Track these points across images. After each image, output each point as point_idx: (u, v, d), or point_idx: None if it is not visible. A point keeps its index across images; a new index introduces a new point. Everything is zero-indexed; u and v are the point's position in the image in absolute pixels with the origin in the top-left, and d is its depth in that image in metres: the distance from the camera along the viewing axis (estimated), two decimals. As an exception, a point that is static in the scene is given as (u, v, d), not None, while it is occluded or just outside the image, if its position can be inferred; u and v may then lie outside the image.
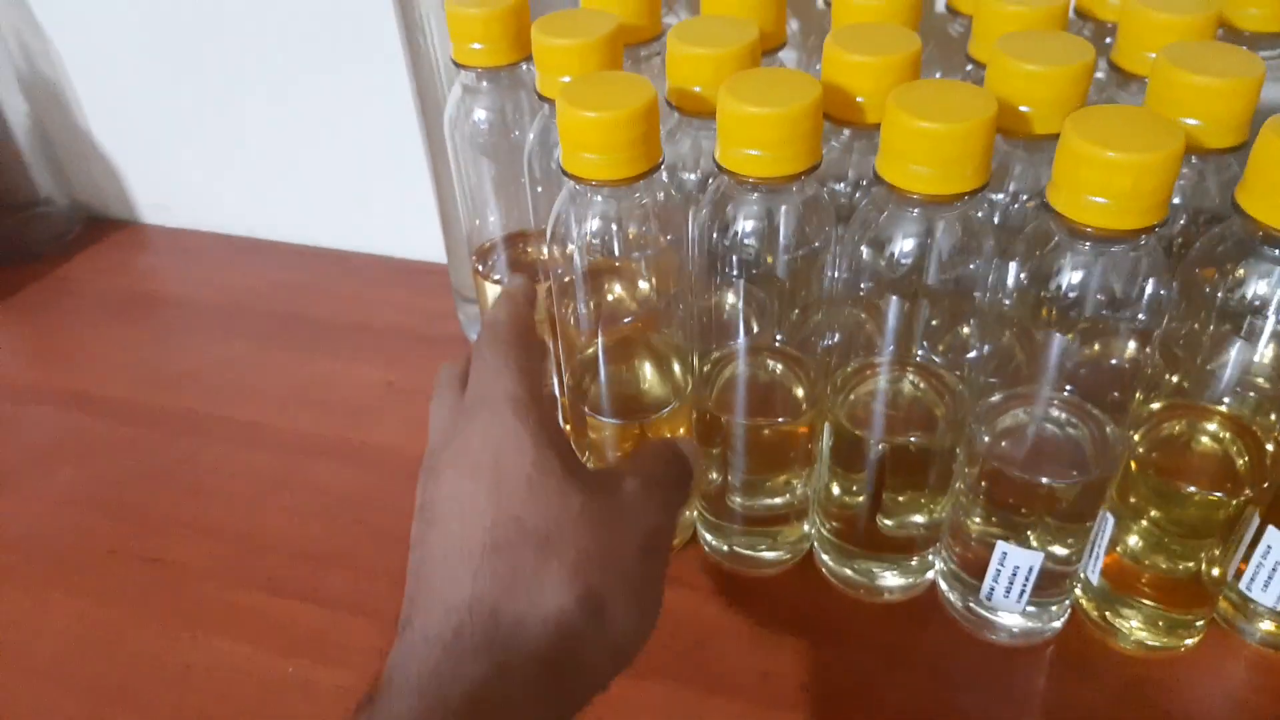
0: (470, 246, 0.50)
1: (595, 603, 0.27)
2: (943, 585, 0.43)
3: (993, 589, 0.40)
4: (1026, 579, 0.39)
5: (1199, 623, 0.41)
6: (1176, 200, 0.36)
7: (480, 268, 0.49)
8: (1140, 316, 0.33)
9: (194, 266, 0.71)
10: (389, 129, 0.61)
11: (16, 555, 0.50)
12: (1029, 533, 0.38)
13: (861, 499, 0.41)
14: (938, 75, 0.47)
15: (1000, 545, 0.39)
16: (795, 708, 0.40)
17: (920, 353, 0.39)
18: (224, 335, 0.64)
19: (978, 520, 0.40)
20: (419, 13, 0.47)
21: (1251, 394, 0.36)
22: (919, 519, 0.42)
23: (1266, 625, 0.41)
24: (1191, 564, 0.38)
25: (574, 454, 0.30)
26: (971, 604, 0.42)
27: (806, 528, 0.45)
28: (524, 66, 0.43)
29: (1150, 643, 0.41)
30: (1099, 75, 0.40)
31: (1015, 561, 0.39)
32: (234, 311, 0.66)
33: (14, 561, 0.49)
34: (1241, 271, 0.33)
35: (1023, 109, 0.34)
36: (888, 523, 0.42)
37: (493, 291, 0.49)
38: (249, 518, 0.51)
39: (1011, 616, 0.41)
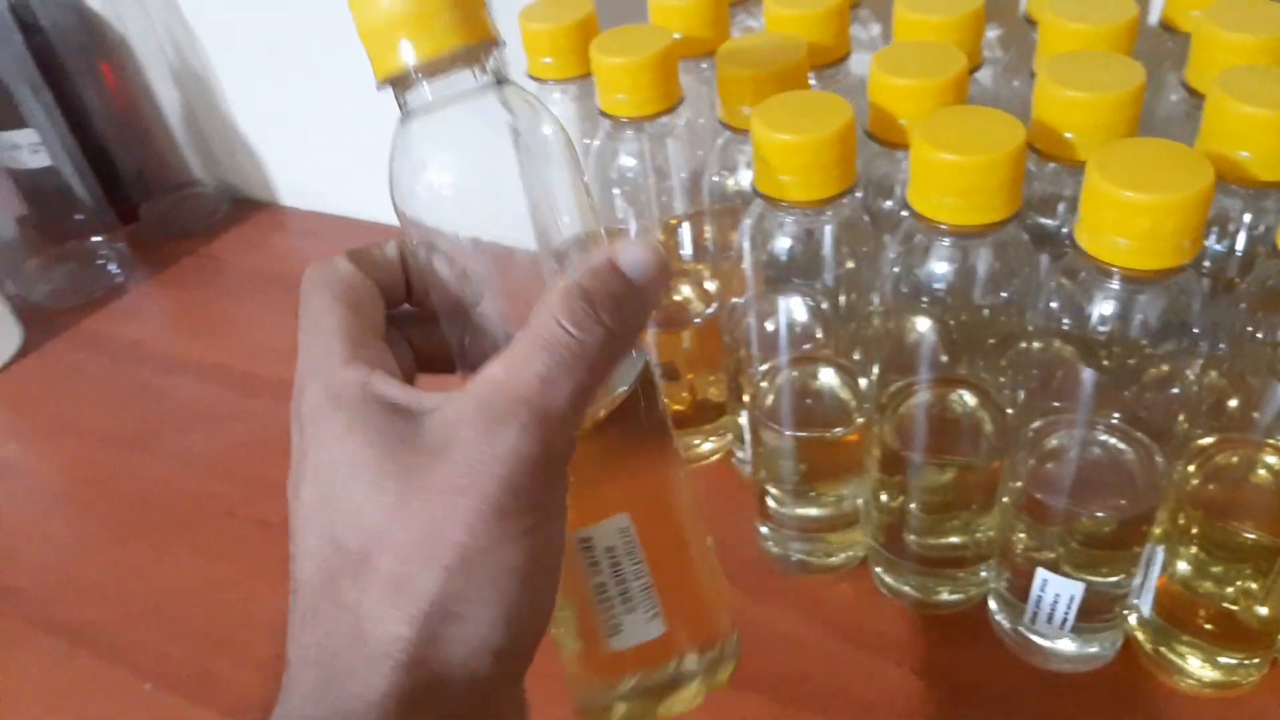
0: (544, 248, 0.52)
1: (434, 615, 0.22)
2: (992, 605, 0.43)
3: (1035, 614, 0.40)
4: (1069, 606, 0.39)
5: (1256, 662, 0.39)
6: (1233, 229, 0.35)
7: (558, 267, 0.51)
8: (1174, 349, 0.32)
9: (327, 247, 0.76)
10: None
11: (149, 510, 0.56)
12: (1069, 559, 0.38)
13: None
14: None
15: (1040, 571, 0.38)
16: (825, 712, 0.41)
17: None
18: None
19: (1022, 541, 0.39)
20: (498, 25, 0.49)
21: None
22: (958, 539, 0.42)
23: (1334, 672, 0.39)
24: (1239, 597, 0.37)
25: (400, 417, 0.23)
26: (1020, 627, 0.41)
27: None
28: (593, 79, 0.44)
29: (1204, 681, 0.40)
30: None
31: (1056, 589, 0.38)
32: (356, 291, 0.70)
33: (146, 516, 0.55)
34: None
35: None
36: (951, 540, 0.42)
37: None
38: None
39: (1058, 643, 0.41)
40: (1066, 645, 0.40)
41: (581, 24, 0.43)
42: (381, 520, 0.22)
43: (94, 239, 0.74)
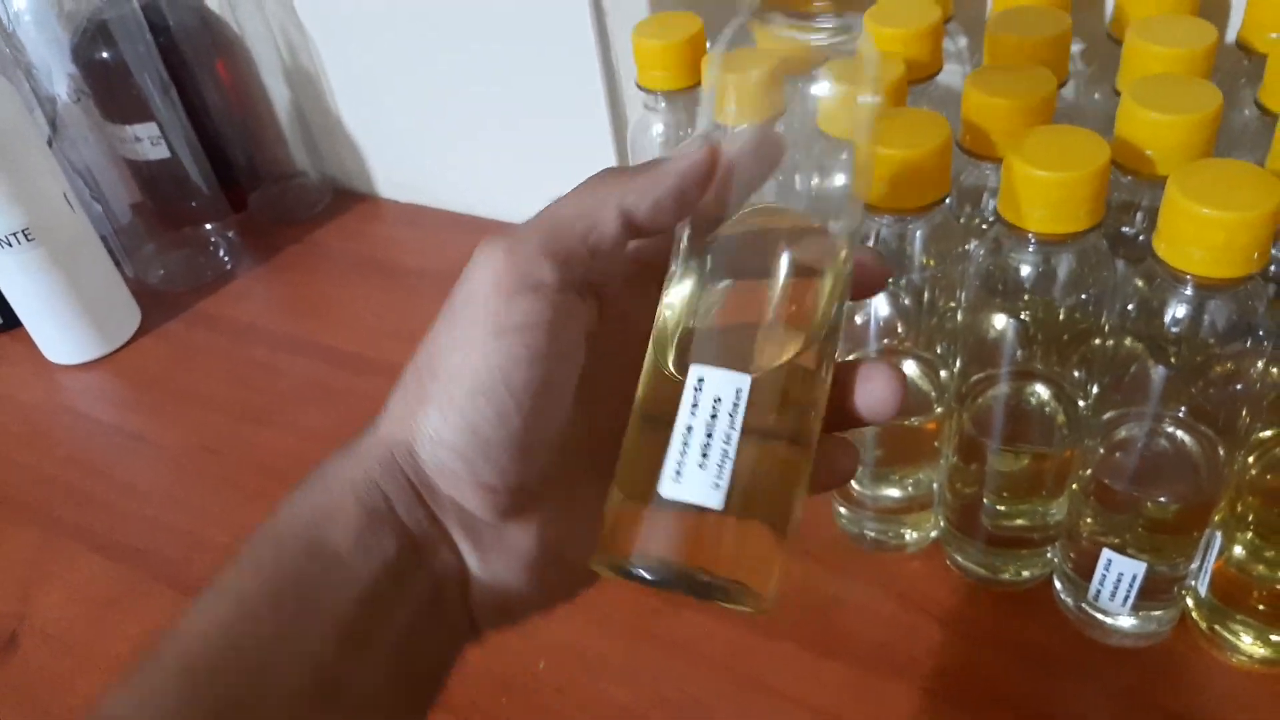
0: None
1: (442, 440, 0.27)
2: (1057, 584, 0.46)
3: (1099, 591, 0.43)
4: (1131, 585, 0.42)
5: (1308, 642, 0.42)
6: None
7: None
8: (1239, 349, 0.35)
9: (423, 237, 0.81)
10: (588, 128, 0.67)
11: (269, 477, 0.60)
12: (1133, 542, 0.41)
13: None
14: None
15: (1106, 552, 0.42)
16: (901, 677, 0.45)
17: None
18: (441, 301, 0.73)
19: (1088, 525, 0.43)
20: (610, 37, 0.53)
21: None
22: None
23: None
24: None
25: (526, 315, 0.26)
26: (1083, 604, 0.45)
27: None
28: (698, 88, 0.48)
29: (1257, 657, 0.43)
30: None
31: (1120, 569, 0.42)
32: (451, 280, 0.75)
33: (266, 483, 0.60)
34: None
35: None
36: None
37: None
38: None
39: (1119, 619, 0.44)
40: (1126, 621, 0.44)
41: (691, 40, 0.46)
42: (443, 343, 0.28)
43: (206, 226, 0.79)
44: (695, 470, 0.26)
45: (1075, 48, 0.51)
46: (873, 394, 0.28)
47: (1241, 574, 0.41)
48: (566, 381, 0.28)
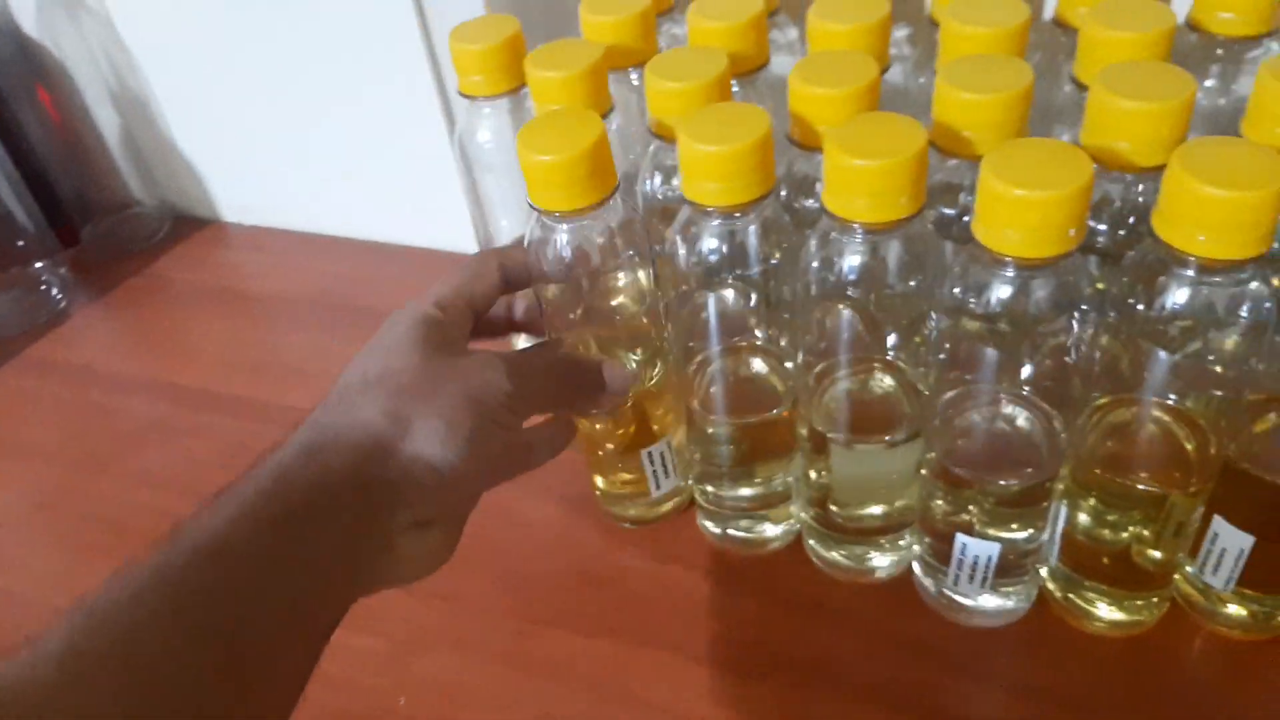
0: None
1: (401, 418, 0.33)
2: (917, 570, 0.46)
3: (957, 576, 0.43)
4: (987, 567, 0.42)
5: (1155, 601, 0.43)
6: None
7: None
8: (1065, 323, 0.36)
9: (269, 261, 0.78)
10: (425, 136, 0.66)
11: (106, 530, 0.57)
12: (983, 519, 0.41)
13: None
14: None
15: (959, 537, 0.42)
16: (766, 678, 0.44)
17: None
18: (292, 327, 0.70)
19: (939, 507, 0.43)
20: (434, 42, 0.52)
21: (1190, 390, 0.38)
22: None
23: (1222, 607, 0.43)
24: (1132, 543, 0.41)
25: (447, 343, 0.36)
26: (943, 589, 0.45)
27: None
28: (525, 90, 0.46)
29: (1111, 623, 0.43)
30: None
31: (975, 551, 0.42)
32: (304, 304, 0.72)
33: (103, 536, 0.56)
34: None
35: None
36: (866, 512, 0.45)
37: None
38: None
39: (979, 600, 0.44)
40: (987, 602, 0.44)
41: (510, 42, 0.45)
42: (400, 368, 0.34)
43: (36, 265, 0.75)
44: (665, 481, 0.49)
45: (900, 32, 0.51)
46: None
47: (1089, 540, 0.42)
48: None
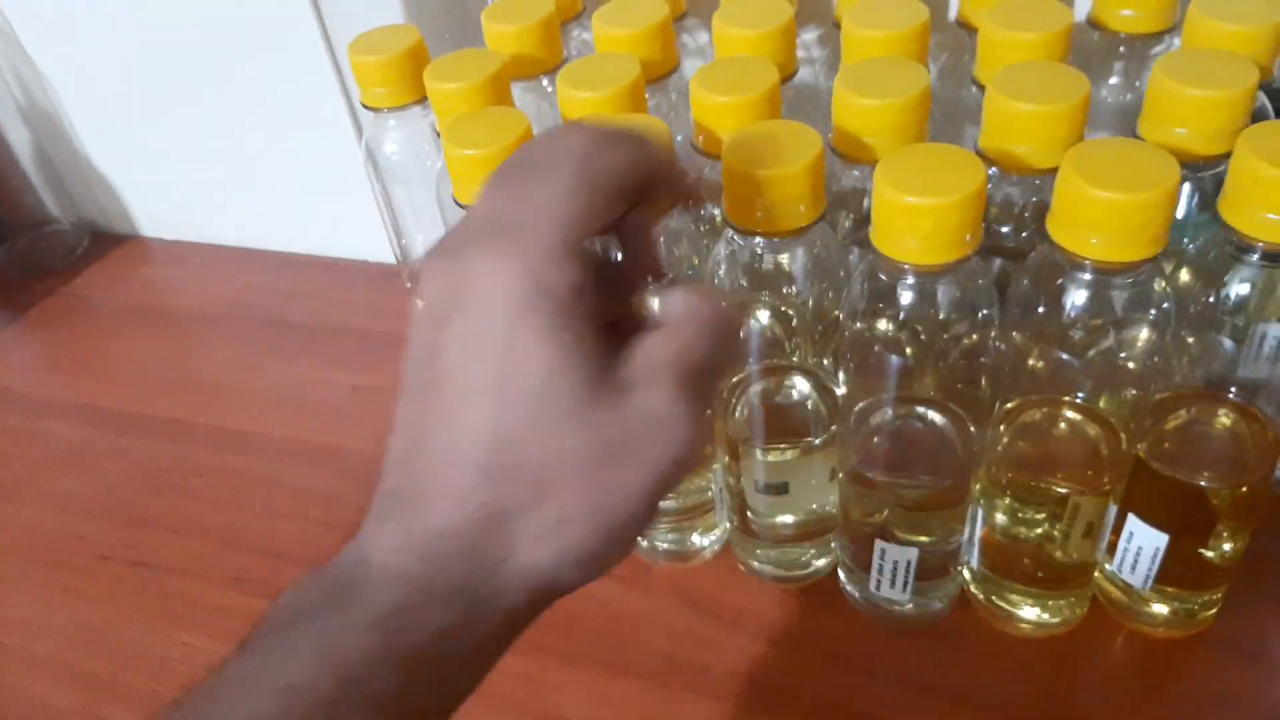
0: (402, 264, 0.53)
1: (573, 559, 0.25)
2: (841, 575, 0.46)
3: (879, 581, 0.43)
4: (908, 572, 0.42)
5: (1075, 600, 0.43)
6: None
7: (413, 285, 0.53)
8: (970, 326, 0.35)
9: (190, 276, 0.76)
10: (336, 146, 0.64)
11: (22, 560, 0.55)
12: (900, 524, 0.41)
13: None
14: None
15: (878, 543, 0.41)
16: (693, 688, 0.44)
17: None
18: (216, 343, 0.69)
19: (857, 512, 0.42)
20: (340, 58, 0.51)
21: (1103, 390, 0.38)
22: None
23: (1144, 606, 0.43)
24: (1045, 542, 0.41)
25: (591, 345, 0.24)
26: (866, 595, 0.45)
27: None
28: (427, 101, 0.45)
29: (1034, 623, 0.43)
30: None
31: (894, 557, 0.41)
32: (225, 319, 0.71)
33: (19, 565, 0.55)
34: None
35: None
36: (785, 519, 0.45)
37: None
38: (226, 521, 0.55)
39: (901, 604, 0.44)
40: (908, 606, 0.44)
41: (411, 52, 0.44)
42: (568, 460, 0.24)
43: (-52, 287, 0.73)
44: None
45: (810, 34, 0.51)
46: None
47: (1007, 540, 0.42)
48: None
